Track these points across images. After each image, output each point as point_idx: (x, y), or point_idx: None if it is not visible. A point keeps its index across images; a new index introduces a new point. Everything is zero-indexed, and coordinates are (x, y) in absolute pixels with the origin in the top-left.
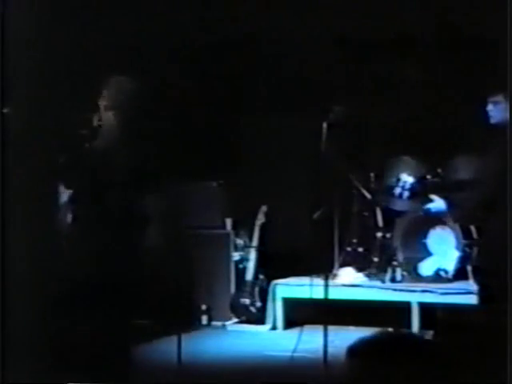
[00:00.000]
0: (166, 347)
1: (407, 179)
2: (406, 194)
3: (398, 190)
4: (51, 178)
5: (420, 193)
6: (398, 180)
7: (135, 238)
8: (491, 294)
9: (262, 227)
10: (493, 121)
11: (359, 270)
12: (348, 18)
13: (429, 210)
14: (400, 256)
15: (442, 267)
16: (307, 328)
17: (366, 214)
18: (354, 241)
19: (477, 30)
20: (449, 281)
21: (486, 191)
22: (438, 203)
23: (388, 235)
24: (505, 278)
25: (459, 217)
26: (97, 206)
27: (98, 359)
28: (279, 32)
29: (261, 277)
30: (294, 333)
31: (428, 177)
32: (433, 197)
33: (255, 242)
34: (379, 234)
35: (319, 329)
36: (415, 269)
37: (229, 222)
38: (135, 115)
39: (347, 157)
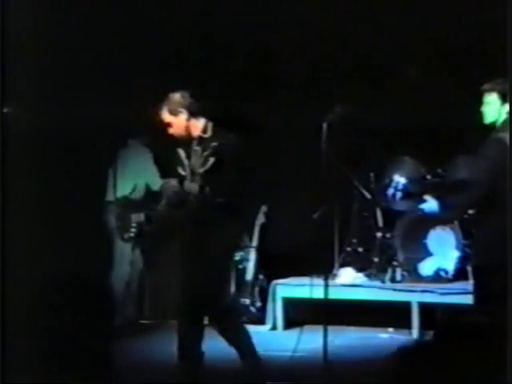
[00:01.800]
0: (166, 347)
1: (400, 180)
2: (399, 194)
3: (390, 191)
4: (51, 177)
5: (413, 193)
6: (391, 181)
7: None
8: (491, 293)
9: (262, 227)
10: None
11: (359, 270)
12: (348, 18)
13: (422, 210)
14: (400, 256)
15: (442, 267)
16: (307, 328)
17: (365, 214)
18: (354, 241)
19: (477, 30)
20: (449, 281)
21: (486, 191)
22: (430, 204)
23: (388, 235)
24: (505, 277)
25: (458, 217)
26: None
27: (98, 359)
28: (279, 32)
29: (261, 277)
30: (294, 333)
31: (428, 177)
32: (426, 197)
33: (255, 242)
34: (379, 234)
35: (319, 329)
36: (415, 269)
37: None
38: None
39: (347, 157)
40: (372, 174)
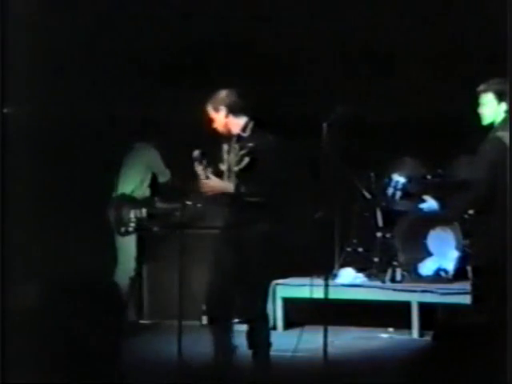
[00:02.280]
0: (166, 347)
1: (399, 179)
2: (399, 193)
3: (390, 190)
4: (51, 177)
5: (413, 193)
6: (391, 180)
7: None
8: (491, 294)
9: None
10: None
11: (359, 270)
12: (348, 18)
13: (421, 210)
14: (400, 256)
15: (442, 267)
16: (307, 328)
17: (366, 214)
18: (355, 241)
19: (478, 30)
20: (449, 281)
21: (486, 191)
22: (430, 203)
23: (388, 235)
24: (504, 277)
25: (458, 217)
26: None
27: (98, 359)
28: (279, 32)
29: None
30: (294, 333)
31: (428, 177)
32: (426, 197)
33: None
34: (379, 234)
35: (319, 329)
36: (415, 269)
37: None
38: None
39: (347, 157)
40: (372, 174)
